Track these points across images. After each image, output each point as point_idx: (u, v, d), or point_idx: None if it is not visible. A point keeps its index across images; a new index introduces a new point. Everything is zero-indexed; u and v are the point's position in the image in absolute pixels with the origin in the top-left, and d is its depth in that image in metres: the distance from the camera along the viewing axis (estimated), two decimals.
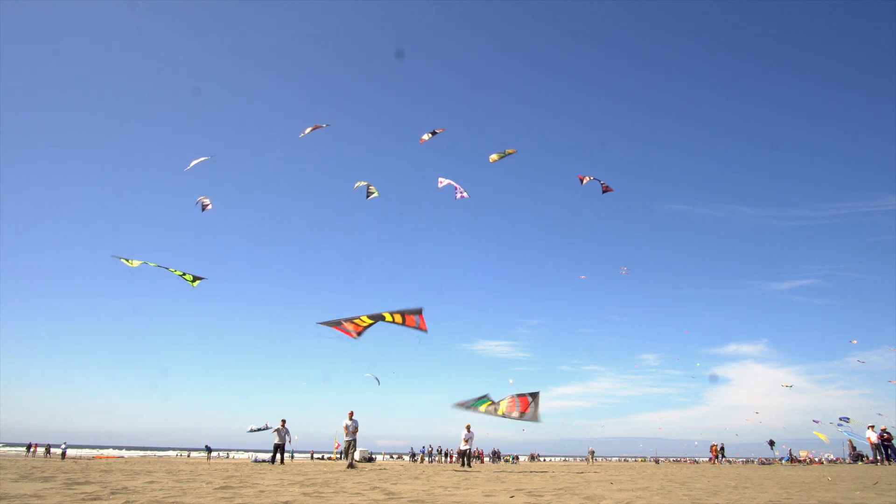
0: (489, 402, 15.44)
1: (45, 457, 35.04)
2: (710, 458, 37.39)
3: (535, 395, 16.18)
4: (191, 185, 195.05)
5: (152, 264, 13.38)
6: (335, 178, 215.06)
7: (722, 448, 37.08)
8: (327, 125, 18.29)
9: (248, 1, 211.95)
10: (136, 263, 13.24)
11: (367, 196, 18.60)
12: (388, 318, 13.29)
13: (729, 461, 36.13)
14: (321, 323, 12.87)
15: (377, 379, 26.34)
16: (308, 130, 17.88)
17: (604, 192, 17.86)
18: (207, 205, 18.39)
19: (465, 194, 17.49)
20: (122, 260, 13.30)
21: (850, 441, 34.37)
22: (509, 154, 17.50)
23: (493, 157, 17.47)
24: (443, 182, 17.80)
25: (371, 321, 13.13)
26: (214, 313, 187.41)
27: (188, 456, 52.18)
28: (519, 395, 16.13)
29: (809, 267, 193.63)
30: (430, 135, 17.99)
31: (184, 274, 13.58)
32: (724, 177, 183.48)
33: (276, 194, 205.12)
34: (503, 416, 15.57)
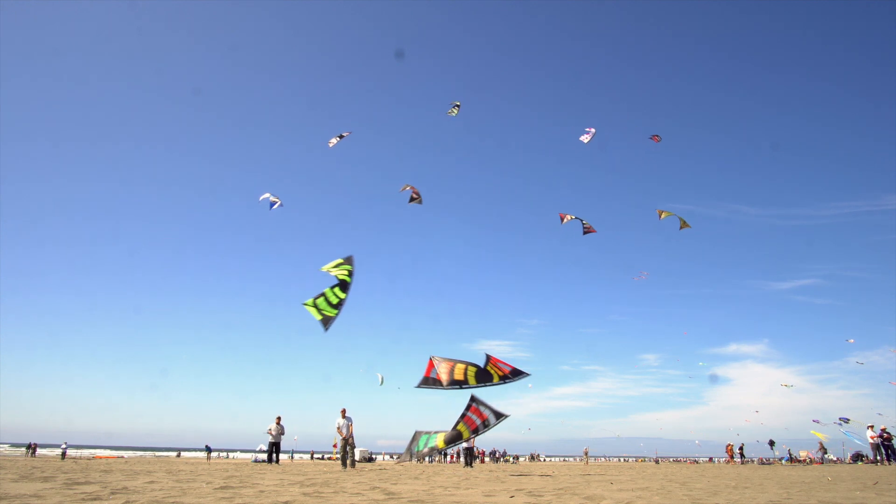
0: (443, 435, 15.09)
1: (31, 456, 34.88)
2: (727, 459, 36.78)
3: (499, 415, 16.00)
4: (191, 185, 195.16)
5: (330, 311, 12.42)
6: (335, 177, 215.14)
7: (741, 448, 36.31)
8: (350, 133, 18.24)
9: (248, 1, 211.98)
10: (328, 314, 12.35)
11: (410, 201, 17.64)
12: (493, 376, 13.11)
13: (751, 460, 35.47)
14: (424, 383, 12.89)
15: (381, 377, 26.24)
16: (334, 141, 17.72)
17: (585, 233, 17.05)
18: (276, 201, 18.20)
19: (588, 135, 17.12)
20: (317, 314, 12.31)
21: (821, 443, 34.26)
22: (683, 224, 16.96)
23: (664, 213, 16.89)
24: (588, 134, 17.40)
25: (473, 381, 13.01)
26: (214, 313, 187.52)
27: (178, 455, 51.49)
28: (473, 409, 15.89)
29: (810, 266, 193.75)
30: (337, 138, 18.03)
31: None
32: (725, 176, 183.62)
33: (277, 194, 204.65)
34: (470, 437, 15.34)
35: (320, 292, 12.30)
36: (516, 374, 13.27)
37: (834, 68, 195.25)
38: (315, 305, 12.26)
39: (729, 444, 36.87)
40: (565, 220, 16.99)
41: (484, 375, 13.05)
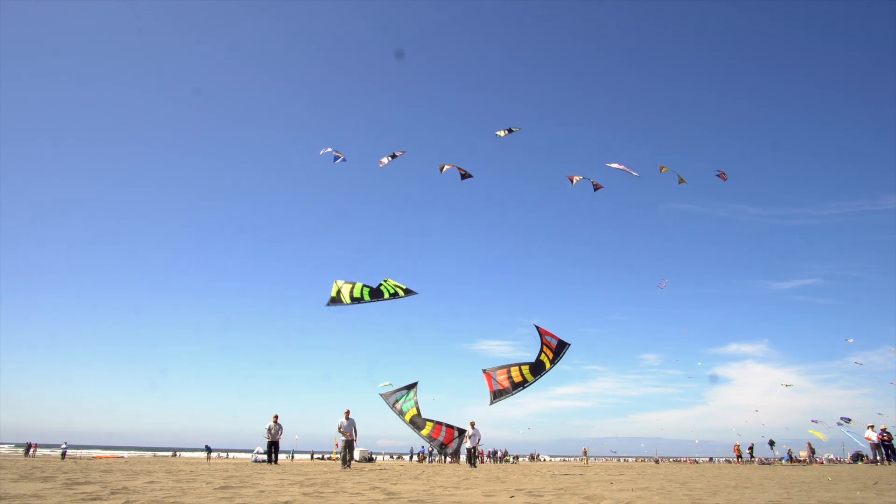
0: (415, 412, 15.40)
1: (27, 456, 34.83)
2: (736, 459, 36.41)
3: (461, 432, 16.31)
4: (191, 185, 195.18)
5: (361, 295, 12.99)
6: (335, 177, 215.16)
7: (751, 448, 35.99)
8: (403, 152, 17.55)
9: (248, 1, 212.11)
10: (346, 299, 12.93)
11: (462, 178, 17.11)
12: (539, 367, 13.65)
13: (763, 461, 34.99)
14: (485, 371, 13.40)
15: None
16: (386, 160, 17.21)
17: (595, 189, 17.86)
18: (339, 156, 17.92)
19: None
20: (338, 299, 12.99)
21: (809, 444, 34.24)
22: (681, 180, 17.59)
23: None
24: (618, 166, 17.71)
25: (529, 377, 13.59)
26: (214, 313, 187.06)
27: (173, 455, 51.31)
28: (447, 427, 16.17)
29: (811, 266, 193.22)
30: (388, 158, 17.46)
31: (395, 291, 13.22)
32: (727, 175, 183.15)
33: (276, 194, 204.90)
34: (423, 437, 15.69)
35: (364, 283, 13.08)
36: (561, 347, 13.77)
37: (834, 68, 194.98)
38: (341, 287, 12.94)
39: (736, 444, 36.55)
40: (575, 181, 17.54)
41: (538, 367, 13.50)
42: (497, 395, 13.70)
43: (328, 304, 13.02)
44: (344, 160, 17.81)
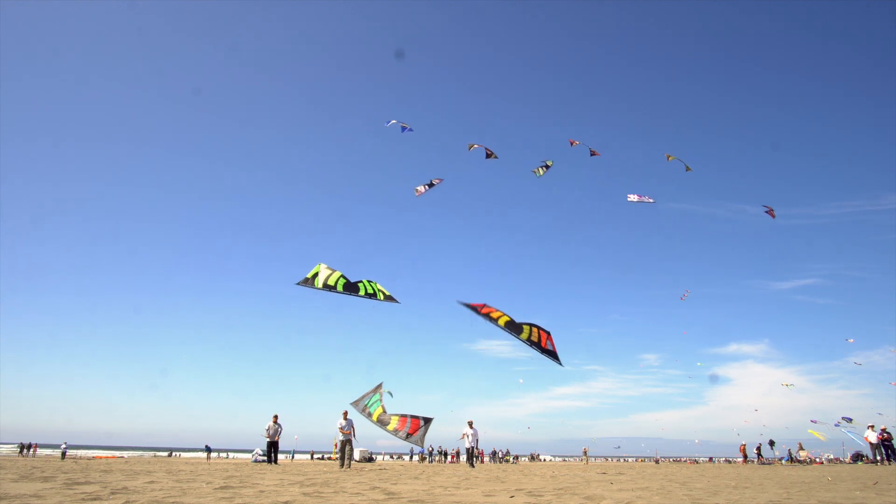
0: (381, 410, 15.51)
1: (22, 455, 34.78)
2: (742, 459, 35.83)
3: (427, 421, 16.34)
4: (190, 186, 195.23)
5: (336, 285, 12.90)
6: (335, 178, 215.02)
7: (759, 448, 35.19)
8: (441, 181, 17.28)
9: (248, 1, 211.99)
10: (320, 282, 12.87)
11: (487, 157, 17.67)
12: (525, 333, 13.24)
13: (763, 461, 34.52)
14: (463, 304, 13.16)
15: (390, 393, 26.39)
16: (422, 189, 17.06)
17: (592, 155, 19.20)
18: (406, 126, 18.13)
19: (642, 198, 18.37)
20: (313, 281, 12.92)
21: (800, 444, 34.11)
22: (688, 168, 18.98)
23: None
24: (632, 198, 18.85)
25: (505, 326, 13.12)
26: (214, 313, 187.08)
27: (169, 455, 50.96)
28: (412, 417, 16.22)
29: (812, 266, 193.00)
30: (426, 187, 17.33)
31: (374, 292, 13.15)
32: (727, 175, 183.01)
33: (276, 194, 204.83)
34: (390, 432, 15.76)
35: (343, 274, 13.04)
36: (551, 354, 13.42)
37: (834, 68, 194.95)
38: (319, 271, 12.98)
39: (742, 445, 35.98)
40: (574, 144, 18.81)
41: (514, 327, 13.16)
42: (475, 310, 13.40)
43: (298, 283, 12.97)
44: (411, 130, 18.25)
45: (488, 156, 17.58)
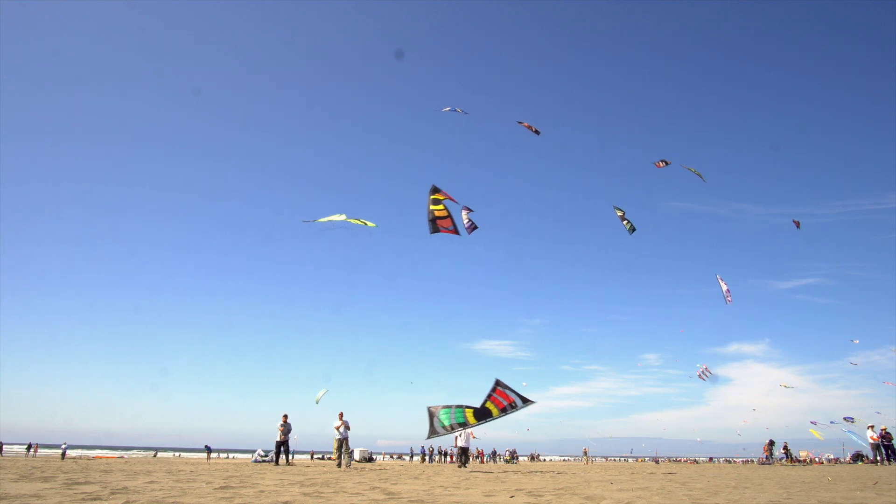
0: (470, 411, 15.08)
1: (30, 455, 34.78)
2: (762, 458, 34.25)
3: (511, 390, 16.01)
4: (190, 185, 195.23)
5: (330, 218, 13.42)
6: (335, 178, 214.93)
7: (785, 447, 33.69)
8: (470, 211, 16.69)
9: (248, 1, 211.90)
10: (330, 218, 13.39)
11: (536, 133, 18.87)
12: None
13: (763, 461, 33.73)
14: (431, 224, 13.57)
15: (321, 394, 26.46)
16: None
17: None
18: (460, 111, 18.82)
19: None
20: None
21: (786, 444, 33.75)
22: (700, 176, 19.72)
23: (693, 169, 19.51)
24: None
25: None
26: (214, 313, 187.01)
27: (154, 455, 50.63)
28: (496, 393, 15.91)
29: (813, 265, 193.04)
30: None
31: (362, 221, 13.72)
32: (728, 174, 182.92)
33: (276, 194, 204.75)
34: (496, 417, 15.26)
35: (351, 216, 13.63)
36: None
37: (834, 68, 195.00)
38: (333, 218, 13.56)
39: (766, 443, 35.01)
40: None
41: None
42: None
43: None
44: (466, 113, 19.11)
45: (536, 132, 18.94)
